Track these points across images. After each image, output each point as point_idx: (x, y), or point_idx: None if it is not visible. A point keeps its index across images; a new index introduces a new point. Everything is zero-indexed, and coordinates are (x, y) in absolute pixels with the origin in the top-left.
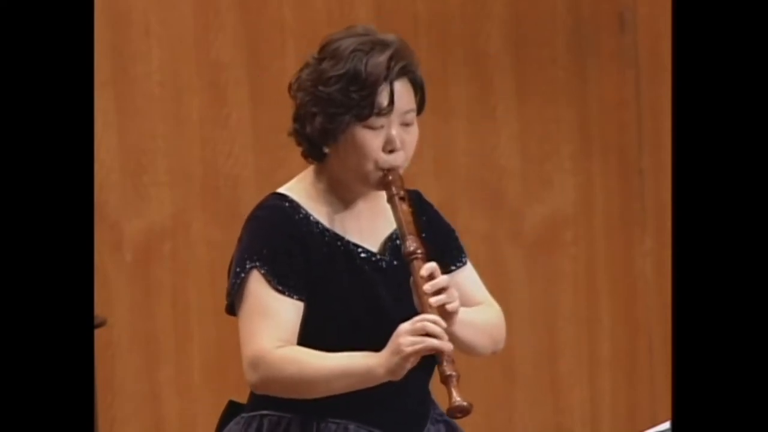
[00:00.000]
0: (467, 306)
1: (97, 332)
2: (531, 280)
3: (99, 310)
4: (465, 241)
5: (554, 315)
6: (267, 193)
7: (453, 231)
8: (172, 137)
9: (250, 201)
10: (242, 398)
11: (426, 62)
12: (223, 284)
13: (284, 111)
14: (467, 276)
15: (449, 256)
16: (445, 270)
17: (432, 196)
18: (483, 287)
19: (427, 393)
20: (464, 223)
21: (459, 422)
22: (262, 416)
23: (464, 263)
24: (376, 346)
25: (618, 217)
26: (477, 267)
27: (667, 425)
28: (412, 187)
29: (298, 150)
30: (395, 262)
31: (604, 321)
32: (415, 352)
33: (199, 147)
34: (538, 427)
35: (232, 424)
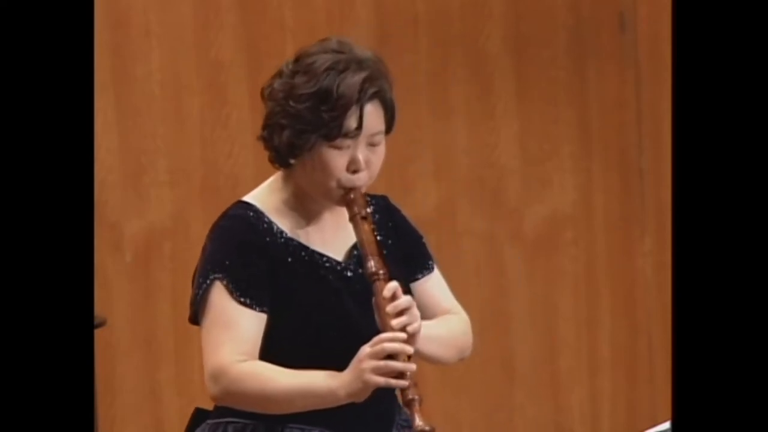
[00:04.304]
0: (435, 314)
1: (97, 332)
2: (531, 280)
3: (99, 310)
4: (465, 241)
5: (554, 315)
6: None
7: (421, 237)
8: (172, 137)
9: None
10: None
11: (426, 62)
12: None
13: None
14: (435, 284)
15: (416, 264)
16: (413, 279)
17: (432, 196)
18: (450, 294)
19: (393, 398)
20: (464, 223)
21: (458, 423)
22: (227, 423)
23: (431, 270)
24: (341, 356)
25: (618, 217)
26: (477, 267)
27: (667, 425)
28: (411, 188)
29: None
30: (360, 271)
31: (604, 321)
32: (377, 378)
33: (199, 147)
34: (538, 426)
35: (198, 430)
